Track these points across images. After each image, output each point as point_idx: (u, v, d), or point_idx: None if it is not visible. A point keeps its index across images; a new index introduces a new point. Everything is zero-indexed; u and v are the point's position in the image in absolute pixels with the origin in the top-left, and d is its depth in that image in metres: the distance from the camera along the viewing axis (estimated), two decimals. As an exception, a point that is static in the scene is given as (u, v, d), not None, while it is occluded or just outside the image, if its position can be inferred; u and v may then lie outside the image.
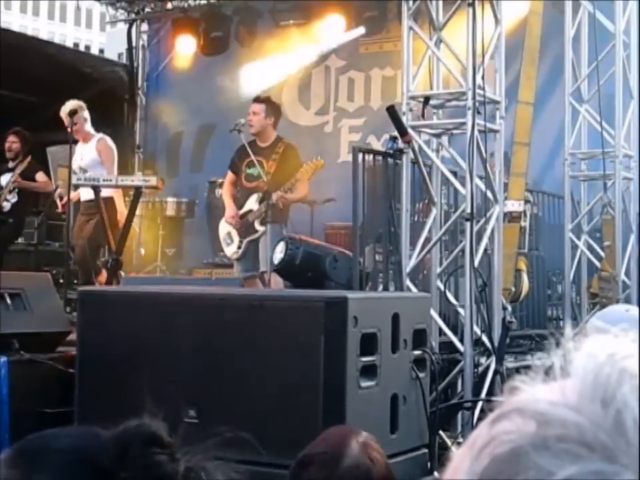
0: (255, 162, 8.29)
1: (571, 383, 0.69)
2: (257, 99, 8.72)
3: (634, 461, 0.64)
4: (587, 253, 8.72)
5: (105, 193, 8.46)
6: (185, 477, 1.09)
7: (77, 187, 8.71)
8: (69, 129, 8.94)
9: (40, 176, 10.43)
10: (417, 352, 5.05)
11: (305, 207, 10.09)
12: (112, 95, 13.73)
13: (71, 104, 9.09)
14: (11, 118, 10.23)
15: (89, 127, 9.31)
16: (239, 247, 8.51)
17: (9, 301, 6.05)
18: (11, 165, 10.34)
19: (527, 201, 8.12)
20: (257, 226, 8.30)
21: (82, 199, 9.26)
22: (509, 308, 6.96)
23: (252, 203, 8.43)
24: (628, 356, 0.70)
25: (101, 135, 9.31)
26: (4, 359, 5.69)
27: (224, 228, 8.67)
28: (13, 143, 10.32)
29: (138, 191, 8.27)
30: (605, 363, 0.69)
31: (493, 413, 0.70)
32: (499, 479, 0.66)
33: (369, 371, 4.56)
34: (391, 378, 4.75)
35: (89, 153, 9.15)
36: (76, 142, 9.20)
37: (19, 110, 10.52)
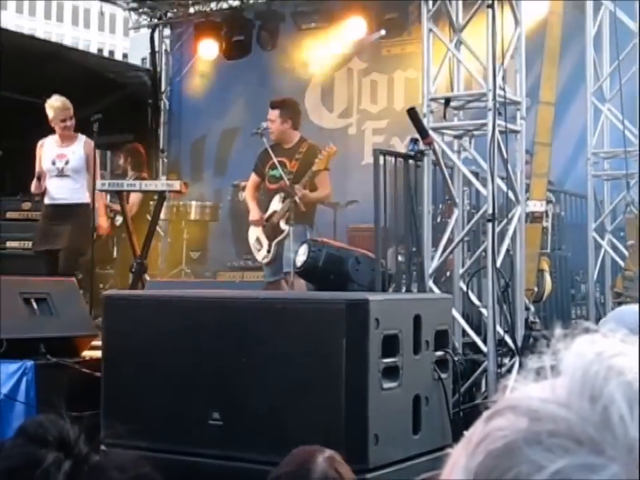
0: (277, 163, 8.30)
1: (561, 380, 0.72)
2: (272, 104, 8.70)
3: (620, 453, 0.67)
4: (611, 252, 8.70)
5: (82, 199, 8.35)
6: (71, 477, 1.11)
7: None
8: (64, 123, 8.66)
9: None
10: (439, 353, 5.06)
11: (329, 209, 10.12)
12: (135, 100, 13.81)
13: (60, 98, 8.76)
14: (35, 125, 10.29)
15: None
16: (269, 251, 8.52)
17: (35, 305, 6.11)
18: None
19: (549, 201, 8.12)
20: (283, 225, 8.30)
21: (49, 203, 8.78)
22: (532, 308, 6.97)
23: (275, 204, 8.45)
24: (615, 354, 0.73)
25: (82, 135, 8.74)
26: (30, 363, 5.76)
27: (253, 233, 8.68)
28: (119, 160, 10.23)
29: (162, 196, 8.33)
30: (593, 361, 0.72)
31: (488, 411, 0.74)
32: (493, 474, 0.70)
33: (391, 372, 4.58)
34: (413, 379, 4.77)
35: (77, 155, 8.65)
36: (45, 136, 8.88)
37: (41, 116, 10.57)
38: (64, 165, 8.66)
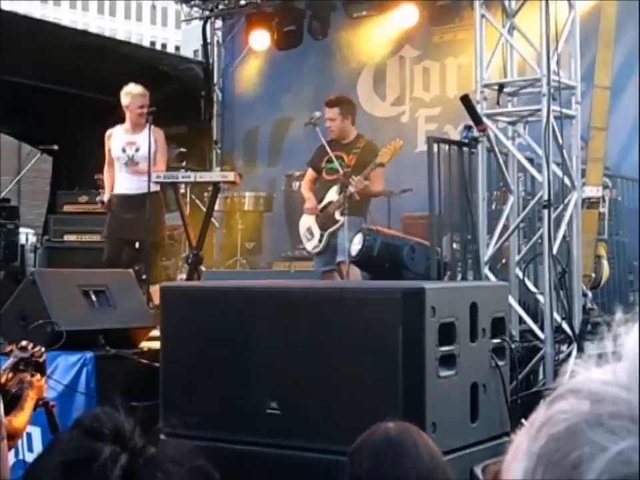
0: (333, 157, 8.33)
1: (622, 364, 0.72)
2: (329, 103, 8.69)
3: None
4: (669, 236, 8.58)
5: (153, 187, 8.24)
6: (127, 471, 1.12)
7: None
8: (141, 109, 8.64)
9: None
10: (496, 340, 5.04)
11: (382, 198, 10.10)
12: (188, 92, 13.88)
13: (139, 86, 8.76)
14: (89, 118, 10.41)
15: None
16: (320, 241, 8.55)
17: (94, 297, 6.19)
18: None
19: (605, 187, 8.03)
20: (337, 216, 8.32)
21: (120, 193, 8.80)
22: (590, 294, 6.90)
23: (332, 195, 8.48)
24: None
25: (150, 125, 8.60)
26: (90, 354, 5.84)
27: (304, 223, 8.71)
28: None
29: (216, 187, 8.37)
30: None
31: (550, 395, 0.74)
32: (555, 456, 0.70)
33: (447, 361, 4.58)
34: (470, 367, 4.76)
35: (146, 144, 8.44)
36: (116, 124, 8.90)
37: (97, 110, 10.69)
38: (134, 153, 8.69)
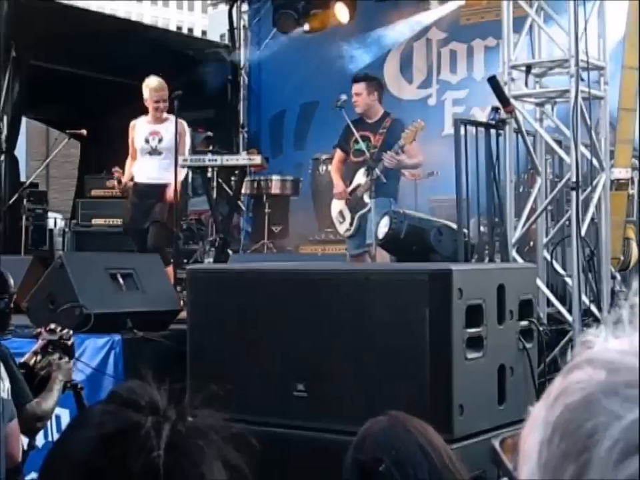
0: (359, 138, 8.30)
1: (638, 333, 0.72)
2: (356, 79, 8.70)
3: None
4: (700, 218, 8.52)
5: (168, 179, 8.25)
6: (171, 441, 1.12)
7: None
8: (157, 104, 8.64)
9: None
10: (524, 323, 5.02)
11: (409, 180, 10.07)
12: (215, 76, 13.88)
13: (157, 79, 8.77)
14: (116, 102, 10.43)
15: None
16: (351, 224, 8.54)
17: (121, 281, 6.22)
18: None
19: (634, 168, 7.97)
20: (366, 199, 8.31)
21: (140, 181, 8.79)
22: (618, 277, 6.86)
23: (360, 177, 8.46)
24: None
25: (173, 116, 8.62)
26: (118, 337, 5.87)
27: (336, 206, 8.71)
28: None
29: (243, 170, 8.38)
30: None
31: (567, 365, 0.74)
32: (571, 425, 0.69)
33: (475, 343, 4.56)
34: (498, 349, 4.74)
35: (170, 133, 8.46)
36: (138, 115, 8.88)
37: (124, 95, 10.70)
38: (157, 143, 8.69)
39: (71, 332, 4.53)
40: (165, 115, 8.72)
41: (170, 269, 7.72)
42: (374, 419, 2.60)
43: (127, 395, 1.16)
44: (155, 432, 1.11)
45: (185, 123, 8.67)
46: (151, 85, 8.74)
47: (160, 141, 8.67)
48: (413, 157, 8.39)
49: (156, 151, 8.69)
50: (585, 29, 6.41)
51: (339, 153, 8.82)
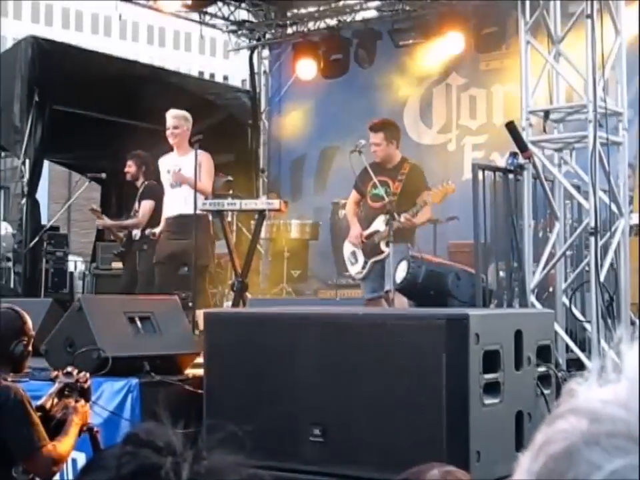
0: (377, 183, 8.29)
1: (622, 383, 0.72)
2: (373, 128, 8.65)
3: None
4: None
5: (200, 210, 8.20)
6: (190, 477, 1.12)
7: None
8: (169, 130, 8.79)
9: (143, 205, 9.97)
10: (542, 369, 4.99)
11: (429, 225, 10.08)
12: (235, 121, 13.99)
13: (178, 111, 8.95)
14: (136, 146, 10.51)
15: (187, 141, 8.88)
16: (364, 267, 8.51)
17: (139, 324, 6.22)
18: (138, 185, 10.27)
19: (653, 214, 7.94)
20: (383, 247, 8.26)
21: (166, 216, 8.95)
22: (638, 322, 6.82)
23: (379, 224, 8.42)
24: None
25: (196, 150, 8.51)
26: (135, 381, 5.86)
27: (348, 247, 8.69)
28: (129, 167, 10.26)
29: (262, 215, 8.39)
30: None
31: (551, 415, 0.74)
32: (553, 475, 0.70)
33: (492, 388, 4.54)
34: (515, 395, 4.71)
35: (190, 166, 8.44)
36: (168, 151, 9.00)
37: (145, 139, 10.78)
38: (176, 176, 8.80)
39: (88, 375, 4.53)
40: (188, 148, 8.76)
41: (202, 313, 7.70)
42: (420, 468, 2.54)
43: (145, 436, 1.17)
44: (174, 473, 1.12)
45: (207, 155, 8.70)
46: (169, 112, 8.93)
47: (179, 170, 8.76)
48: (425, 214, 8.35)
49: (176, 182, 8.77)
50: (603, 74, 6.43)
51: (354, 194, 8.79)
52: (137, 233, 9.88)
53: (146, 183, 10.00)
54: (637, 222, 7.36)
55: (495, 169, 7.08)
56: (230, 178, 11.49)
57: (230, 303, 9.20)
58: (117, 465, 1.14)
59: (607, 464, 0.68)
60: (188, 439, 1.19)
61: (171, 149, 8.97)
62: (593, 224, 6.36)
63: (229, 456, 1.17)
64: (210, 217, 8.79)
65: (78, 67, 11.68)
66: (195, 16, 13.90)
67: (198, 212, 8.13)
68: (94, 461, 1.31)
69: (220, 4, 13.69)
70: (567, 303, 6.74)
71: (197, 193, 8.12)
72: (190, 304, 8.20)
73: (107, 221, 10.16)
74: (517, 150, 6.71)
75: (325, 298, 10.71)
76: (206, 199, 8.47)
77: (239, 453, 1.17)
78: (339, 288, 10.90)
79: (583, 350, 6.62)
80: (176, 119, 8.85)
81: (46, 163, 13.35)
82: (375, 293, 8.44)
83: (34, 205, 11.47)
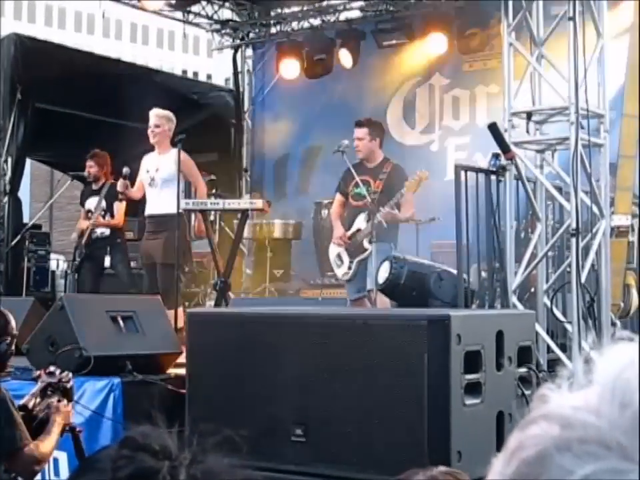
0: (360, 182, 8.32)
1: (594, 388, 0.73)
2: (359, 123, 8.73)
3: None
4: (700, 266, 8.52)
5: (173, 209, 8.06)
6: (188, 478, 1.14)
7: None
8: (149, 129, 8.81)
9: (120, 207, 9.98)
10: (523, 369, 5.02)
11: (411, 225, 10.10)
12: (219, 120, 13.97)
13: (162, 110, 8.97)
14: (119, 145, 10.50)
15: (168, 140, 8.88)
16: (349, 268, 8.54)
17: (121, 323, 6.21)
18: (94, 187, 10.28)
19: (634, 215, 7.99)
20: (366, 244, 8.31)
21: (146, 214, 8.98)
22: (619, 324, 6.86)
23: (360, 222, 8.47)
24: None
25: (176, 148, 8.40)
26: (117, 380, 5.86)
27: (334, 250, 8.71)
28: (90, 167, 10.18)
29: (244, 214, 8.40)
30: (624, 368, 0.73)
31: (524, 420, 0.75)
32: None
33: (473, 389, 4.56)
34: (496, 395, 4.73)
35: (168, 165, 8.58)
36: (151, 149, 8.98)
37: (127, 137, 10.78)
38: (155, 174, 8.79)
39: (70, 374, 4.52)
40: (169, 147, 8.80)
41: (180, 311, 7.68)
42: (415, 470, 2.53)
43: (142, 440, 1.17)
44: (171, 477, 1.13)
45: (186, 155, 8.58)
46: (153, 111, 8.96)
47: (157, 170, 8.77)
48: (408, 209, 8.40)
49: (153, 182, 8.78)
50: (585, 77, 6.46)
51: (338, 198, 8.85)
52: (103, 232, 9.89)
53: (109, 183, 9.98)
54: (618, 223, 7.40)
55: (477, 170, 7.10)
56: (213, 177, 11.49)
57: (212, 303, 9.20)
58: (113, 467, 1.14)
59: (579, 469, 0.69)
60: (181, 440, 1.20)
61: (154, 148, 8.97)
62: (574, 225, 6.39)
63: (224, 458, 1.18)
64: (192, 216, 8.80)
65: (61, 65, 11.65)
66: (179, 14, 13.88)
67: (174, 212, 8.05)
68: (86, 464, 1.31)
69: (204, 3, 13.68)
70: (548, 303, 6.77)
71: (179, 194, 8.11)
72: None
73: (101, 221, 10.05)
74: (499, 151, 6.73)
75: (308, 297, 10.72)
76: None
77: (232, 455, 1.18)
78: (321, 288, 10.92)
79: (564, 350, 6.65)
80: (158, 117, 8.85)
81: (28, 161, 13.32)
82: (359, 293, 8.46)
83: (16, 203, 11.44)
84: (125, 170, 8.95)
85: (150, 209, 8.89)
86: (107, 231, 9.89)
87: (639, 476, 0.68)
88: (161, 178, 8.72)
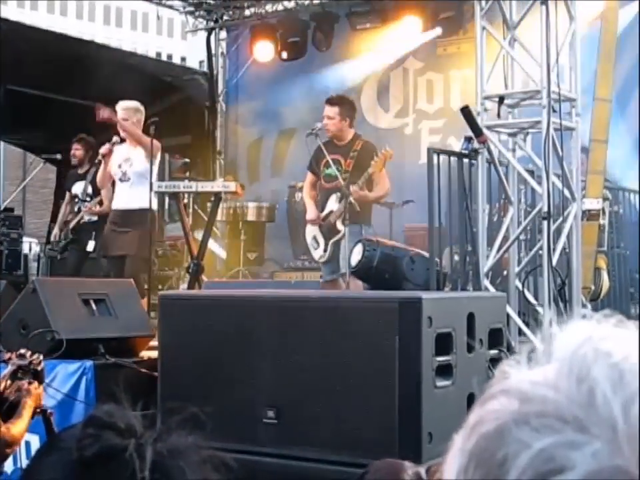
0: (330, 162, 8.29)
1: (552, 365, 0.75)
2: (330, 101, 8.66)
3: (603, 431, 0.70)
4: (671, 249, 8.59)
5: (146, 204, 8.10)
6: (154, 462, 1.14)
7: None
8: (119, 125, 8.61)
9: (104, 193, 9.77)
10: (494, 351, 5.05)
11: (385, 208, 10.12)
12: (193, 103, 13.94)
13: (128, 102, 8.79)
14: (94, 129, 10.44)
15: (140, 131, 8.71)
16: (325, 250, 8.53)
17: (94, 306, 6.20)
18: (80, 171, 10.26)
19: (605, 199, 8.04)
20: (339, 226, 8.28)
21: (114, 208, 8.80)
22: (589, 306, 6.91)
23: (332, 203, 8.44)
24: (604, 337, 0.76)
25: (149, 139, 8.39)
26: (90, 363, 5.84)
27: (310, 232, 8.69)
28: (76, 150, 10.20)
29: (218, 197, 8.38)
30: (582, 344, 0.75)
31: (483, 395, 0.77)
32: (484, 454, 0.73)
33: (444, 371, 4.59)
34: (467, 377, 4.76)
35: (140, 158, 8.49)
36: (121, 141, 8.77)
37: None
38: (128, 168, 8.64)
39: (41, 357, 4.50)
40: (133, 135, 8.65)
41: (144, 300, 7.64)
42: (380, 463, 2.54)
43: (107, 418, 1.17)
44: (137, 454, 1.13)
45: (158, 144, 8.53)
46: (119, 104, 8.74)
47: (130, 165, 8.62)
48: (381, 188, 8.37)
49: (126, 176, 8.63)
50: (557, 60, 6.48)
51: (309, 176, 8.78)
52: (90, 218, 9.82)
53: (95, 168, 9.86)
54: (589, 207, 7.45)
55: (449, 153, 7.13)
56: (187, 160, 11.47)
57: (186, 286, 9.19)
58: (79, 447, 1.14)
59: (536, 442, 0.70)
60: (146, 420, 1.20)
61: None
62: (545, 208, 6.43)
63: (189, 437, 1.18)
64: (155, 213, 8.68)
65: (33, 47, 11.57)
66: (153, -4, 13.81)
67: (144, 207, 8.07)
68: (50, 443, 1.31)
69: (177, -16, 13.62)
70: (520, 286, 6.81)
71: (151, 191, 8.07)
72: (145, 286, 8.17)
73: (93, 209, 9.94)
74: (471, 134, 6.75)
75: (279, 280, 10.72)
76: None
77: (197, 434, 1.19)
78: (295, 271, 10.93)
79: (535, 333, 6.70)
80: (125, 110, 8.64)
81: (1, 144, 13.24)
82: (334, 274, 8.46)
83: (-12, 186, 11.37)
84: (115, 139, 8.76)
85: (119, 204, 8.68)
86: (95, 217, 9.83)
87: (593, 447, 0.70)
88: (135, 172, 8.55)
